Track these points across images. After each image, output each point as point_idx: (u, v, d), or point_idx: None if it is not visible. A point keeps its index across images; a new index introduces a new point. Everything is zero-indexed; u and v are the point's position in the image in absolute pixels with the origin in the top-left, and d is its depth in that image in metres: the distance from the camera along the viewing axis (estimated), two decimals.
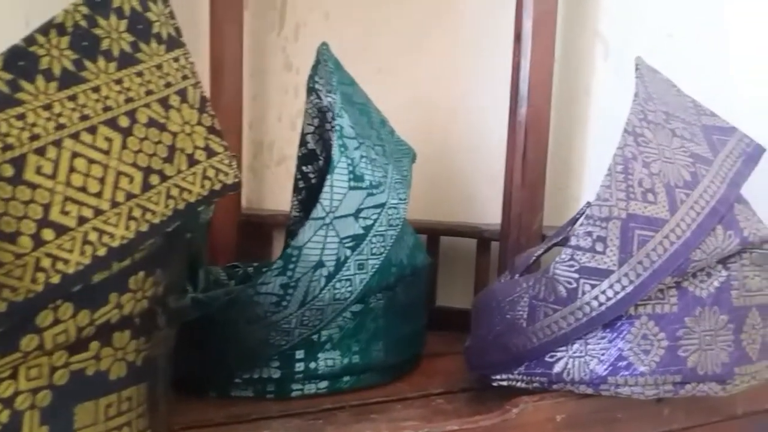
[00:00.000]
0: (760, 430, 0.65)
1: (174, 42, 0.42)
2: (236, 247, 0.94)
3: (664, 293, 0.55)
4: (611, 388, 0.55)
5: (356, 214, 0.59)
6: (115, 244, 0.37)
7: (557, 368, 0.56)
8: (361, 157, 0.60)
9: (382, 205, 0.62)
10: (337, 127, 0.59)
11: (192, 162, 0.42)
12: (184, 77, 0.42)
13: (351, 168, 0.58)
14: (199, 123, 0.42)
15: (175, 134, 0.41)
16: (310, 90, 0.67)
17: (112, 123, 0.38)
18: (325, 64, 0.64)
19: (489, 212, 0.91)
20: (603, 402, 0.57)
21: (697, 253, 0.54)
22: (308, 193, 0.74)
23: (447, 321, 0.86)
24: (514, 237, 0.79)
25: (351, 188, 0.58)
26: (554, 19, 0.78)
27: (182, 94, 0.41)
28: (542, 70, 0.76)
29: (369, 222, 0.60)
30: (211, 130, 0.43)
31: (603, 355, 0.55)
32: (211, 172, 0.43)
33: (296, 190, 0.75)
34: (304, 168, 0.74)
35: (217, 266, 0.78)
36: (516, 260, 0.70)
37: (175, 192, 0.41)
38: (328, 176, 0.57)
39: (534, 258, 0.67)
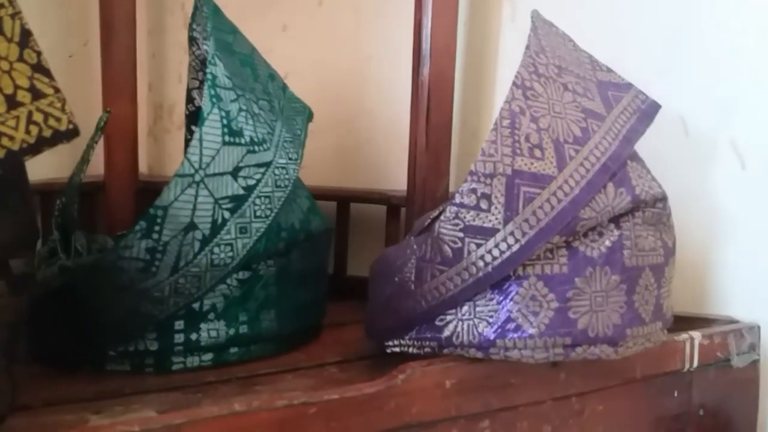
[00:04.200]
0: (659, 394, 0.65)
1: None
2: (135, 215, 0.88)
3: (553, 253, 0.53)
4: (500, 352, 0.53)
5: (234, 173, 0.55)
6: None
7: (447, 332, 0.54)
8: (240, 110, 0.55)
9: (267, 164, 0.58)
10: (209, 76, 0.54)
11: (12, 104, 0.37)
12: None
13: (226, 121, 0.54)
14: (21, 59, 0.37)
15: None
16: (191, 40, 0.63)
17: None
18: (201, 9, 0.59)
19: (399, 178, 0.88)
20: (495, 367, 0.55)
21: (586, 211, 0.53)
22: None
23: (357, 290, 0.83)
24: (419, 203, 0.76)
25: (226, 143, 0.54)
26: None
27: None
28: (445, 28, 0.73)
29: (251, 182, 0.57)
30: (36, 68, 0.38)
31: (491, 317, 0.52)
32: (38, 117, 0.38)
33: None
34: (193, 127, 0.69)
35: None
36: (416, 223, 0.68)
37: None
38: (197, 129, 0.53)
39: (429, 220, 0.64)
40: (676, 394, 0.66)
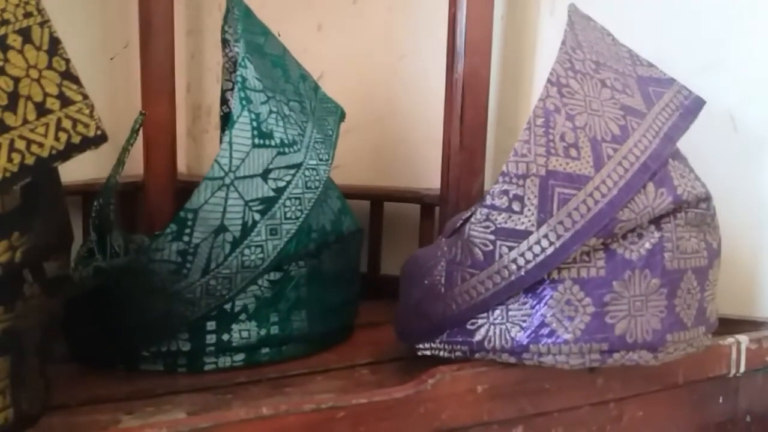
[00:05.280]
0: (703, 400, 0.63)
1: None
2: (174, 215, 0.89)
3: (590, 256, 0.51)
4: (534, 357, 0.51)
5: (264, 175, 0.55)
6: None
7: (478, 336, 0.52)
8: (270, 112, 0.55)
9: (297, 166, 0.58)
10: (239, 78, 0.54)
11: (42, 111, 0.37)
12: (27, 14, 0.37)
13: (256, 123, 0.54)
14: (50, 67, 0.38)
15: (17, 79, 0.36)
16: (224, 42, 0.63)
17: None
18: (232, 11, 0.59)
19: (434, 177, 0.87)
20: (529, 372, 0.54)
21: (624, 212, 0.51)
22: None
23: (391, 289, 0.82)
24: (453, 202, 0.75)
25: (256, 146, 0.54)
26: None
27: (25, 33, 0.37)
28: (480, 23, 0.72)
29: (281, 184, 0.56)
30: (65, 75, 0.38)
31: (525, 322, 0.51)
32: (67, 123, 0.38)
33: None
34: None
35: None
36: (447, 225, 0.66)
37: (20, 145, 0.36)
38: (227, 132, 0.53)
39: (461, 222, 0.63)
40: (721, 401, 0.63)
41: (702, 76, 0.71)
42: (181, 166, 0.96)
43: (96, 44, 0.92)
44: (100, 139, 0.40)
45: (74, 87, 0.39)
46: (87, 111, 0.39)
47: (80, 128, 0.39)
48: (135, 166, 0.90)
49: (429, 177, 0.89)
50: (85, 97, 0.39)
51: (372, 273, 0.87)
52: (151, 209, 0.90)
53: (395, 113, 0.90)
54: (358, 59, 0.90)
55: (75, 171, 0.89)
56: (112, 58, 0.95)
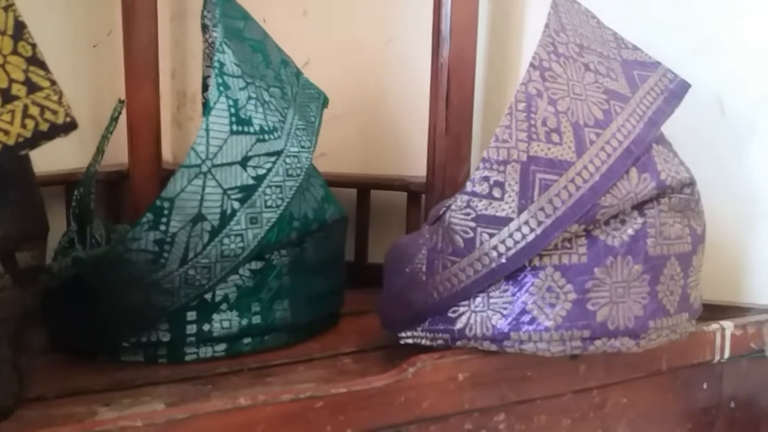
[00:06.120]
0: (687, 386, 0.62)
1: None
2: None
3: (571, 242, 0.50)
4: (515, 345, 0.51)
5: (243, 163, 0.54)
6: None
7: (459, 324, 0.52)
8: (249, 98, 0.54)
9: (278, 153, 0.57)
10: (216, 64, 0.53)
11: (7, 98, 0.36)
12: None
13: (234, 110, 0.53)
14: (15, 53, 0.37)
15: None
16: (204, 27, 0.62)
17: None
18: None
19: (422, 164, 0.87)
20: (511, 359, 0.53)
21: (607, 198, 0.50)
22: None
23: (378, 278, 0.81)
24: (439, 189, 0.74)
25: (234, 133, 0.53)
26: None
27: None
28: (466, 6, 0.70)
29: (261, 171, 0.56)
30: (31, 60, 0.37)
31: (506, 309, 0.51)
32: (34, 110, 0.37)
33: None
34: None
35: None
36: (431, 212, 0.66)
37: None
38: (203, 118, 0.52)
39: (444, 209, 0.62)
40: (705, 387, 0.63)
41: (690, 59, 0.70)
42: (167, 154, 0.95)
43: (79, 31, 0.91)
44: (70, 126, 0.39)
45: (41, 73, 0.38)
46: (55, 97, 0.38)
47: (48, 115, 0.38)
48: (120, 154, 0.89)
49: (417, 164, 0.88)
50: (53, 83, 0.38)
51: (359, 261, 0.86)
52: (136, 198, 0.89)
53: (383, 99, 0.89)
54: (345, 45, 0.89)
55: (58, 160, 0.88)
56: (95, 46, 0.94)
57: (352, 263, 0.85)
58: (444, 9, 0.71)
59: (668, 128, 0.57)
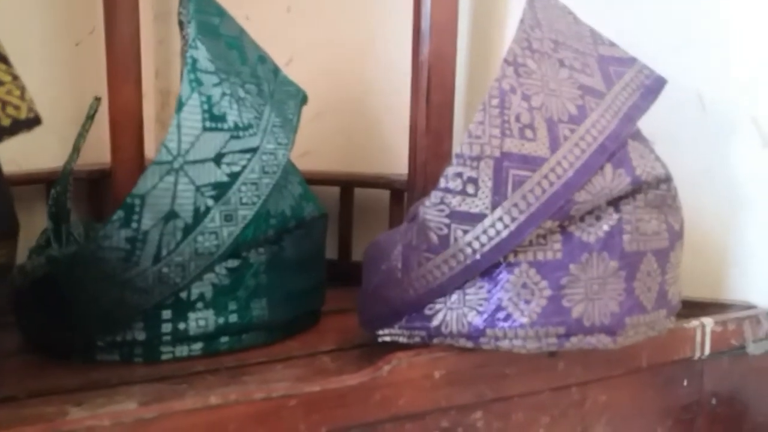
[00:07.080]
0: (667, 383, 0.62)
1: None
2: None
3: (546, 238, 0.50)
4: (490, 341, 0.51)
5: (217, 159, 0.54)
6: None
7: (436, 321, 0.52)
8: (223, 95, 0.54)
9: (253, 150, 0.57)
10: (189, 60, 0.53)
11: None
12: None
13: (207, 106, 0.52)
14: None
15: None
16: (180, 24, 0.61)
17: None
18: None
19: (405, 161, 0.86)
20: (488, 356, 0.53)
21: (581, 194, 0.50)
22: None
23: (361, 276, 0.82)
24: (420, 186, 0.74)
25: (207, 129, 0.52)
26: None
27: None
28: (446, 3, 0.70)
29: (236, 168, 0.55)
30: None
31: (481, 306, 0.50)
32: None
33: None
34: None
35: None
36: (411, 209, 0.65)
37: None
38: (175, 115, 0.51)
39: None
40: (685, 383, 0.63)
41: (671, 55, 0.70)
42: (150, 152, 0.94)
43: (61, 30, 0.91)
44: (33, 122, 0.38)
45: (3, 67, 0.37)
46: (17, 92, 0.38)
47: (10, 110, 0.37)
48: (102, 153, 0.89)
49: (400, 162, 0.88)
50: (15, 77, 0.38)
51: (342, 260, 0.86)
52: (118, 196, 0.88)
53: (366, 97, 0.88)
54: (328, 42, 0.88)
55: (39, 159, 0.88)
56: (77, 44, 0.93)
57: (336, 261, 0.85)
58: (423, 7, 0.70)
59: (648, 124, 0.57)
